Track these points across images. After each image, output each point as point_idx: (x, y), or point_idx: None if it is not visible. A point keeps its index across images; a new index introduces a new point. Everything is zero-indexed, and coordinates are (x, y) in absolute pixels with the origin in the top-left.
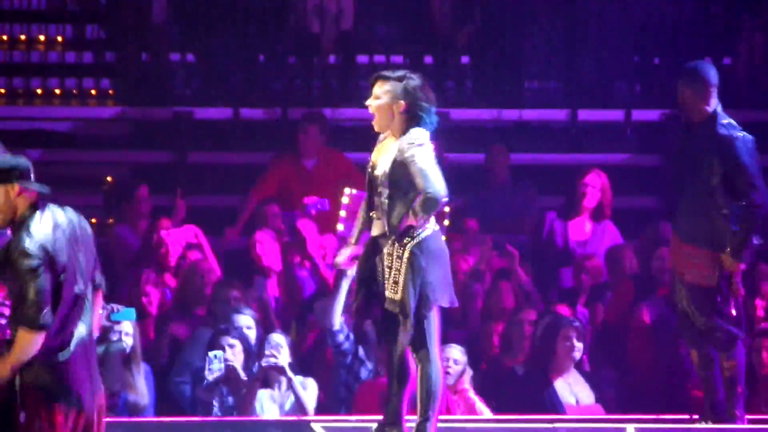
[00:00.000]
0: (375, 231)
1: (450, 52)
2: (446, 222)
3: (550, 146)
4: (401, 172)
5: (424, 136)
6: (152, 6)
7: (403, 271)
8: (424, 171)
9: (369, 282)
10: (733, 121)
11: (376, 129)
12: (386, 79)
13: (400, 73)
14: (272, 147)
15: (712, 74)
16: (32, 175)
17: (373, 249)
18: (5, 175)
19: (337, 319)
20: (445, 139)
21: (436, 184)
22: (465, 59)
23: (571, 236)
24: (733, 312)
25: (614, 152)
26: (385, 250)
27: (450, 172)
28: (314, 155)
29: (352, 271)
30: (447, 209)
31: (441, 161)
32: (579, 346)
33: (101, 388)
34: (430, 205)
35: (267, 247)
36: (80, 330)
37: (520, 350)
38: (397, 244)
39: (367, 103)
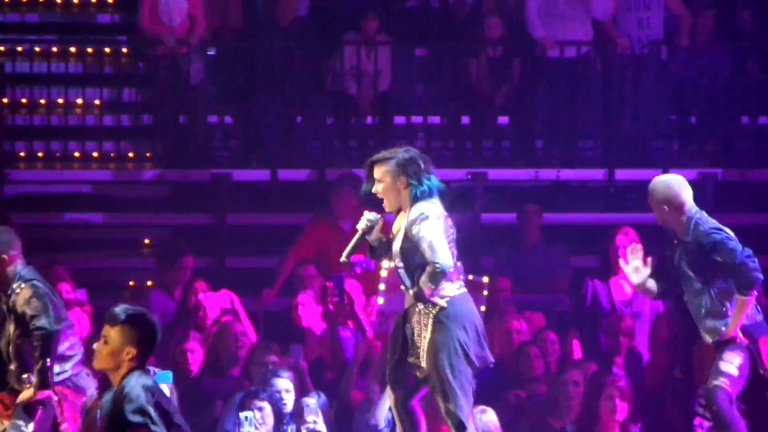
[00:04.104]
0: (406, 303)
1: (487, 112)
2: (485, 292)
3: (587, 206)
4: (411, 247)
5: (429, 208)
6: (189, 68)
7: (428, 338)
8: (431, 243)
9: (400, 351)
10: None
11: (387, 210)
12: (381, 161)
13: (391, 152)
14: (310, 208)
15: None
16: None
17: (403, 319)
18: None
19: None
20: (483, 199)
21: (443, 256)
22: (502, 119)
23: (615, 297)
24: None
25: (652, 211)
26: (413, 319)
27: (485, 232)
28: (350, 217)
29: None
30: (486, 279)
31: (476, 220)
32: (622, 406)
33: None
34: (437, 276)
35: (308, 310)
36: None
37: (567, 411)
38: (423, 313)
39: (373, 190)
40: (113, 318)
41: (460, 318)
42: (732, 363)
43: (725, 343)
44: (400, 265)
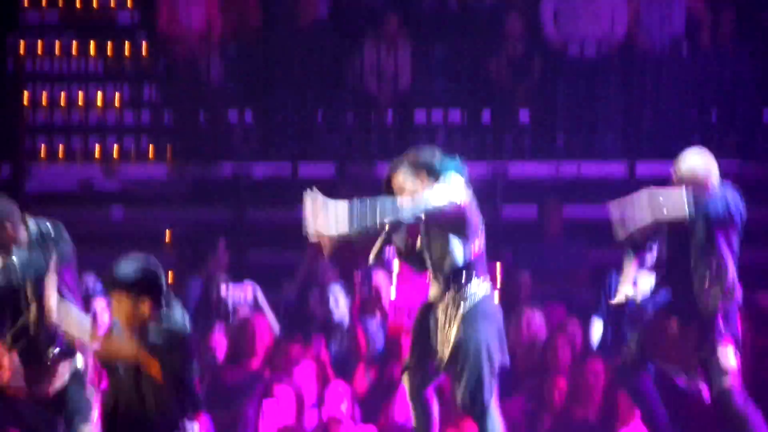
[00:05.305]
0: (431, 295)
1: (508, 107)
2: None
3: (608, 200)
4: (432, 226)
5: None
6: (209, 65)
7: (454, 332)
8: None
9: (424, 342)
10: None
11: None
12: (398, 168)
13: (402, 158)
14: None
15: None
16: None
17: (427, 311)
18: None
19: None
20: (504, 193)
21: (435, 198)
22: (523, 113)
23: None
24: None
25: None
26: (439, 310)
27: (505, 226)
28: None
29: None
30: (498, 265)
31: (497, 215)
32: None
33: None
34: (419, 201)
35: (339, 301)
36: None
37: (590, 401)
38: (450, 306)
39: (401, 198)
40: (114, 285)
41: (488, 316)
42: (728, 356)
43: (710, 333)
44: (424, 235)
